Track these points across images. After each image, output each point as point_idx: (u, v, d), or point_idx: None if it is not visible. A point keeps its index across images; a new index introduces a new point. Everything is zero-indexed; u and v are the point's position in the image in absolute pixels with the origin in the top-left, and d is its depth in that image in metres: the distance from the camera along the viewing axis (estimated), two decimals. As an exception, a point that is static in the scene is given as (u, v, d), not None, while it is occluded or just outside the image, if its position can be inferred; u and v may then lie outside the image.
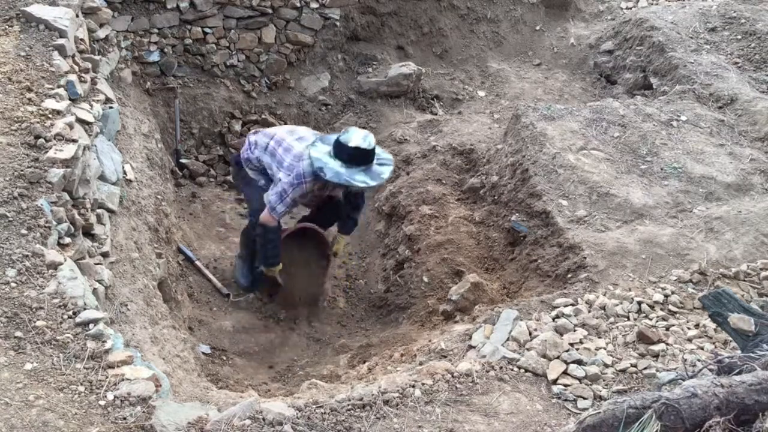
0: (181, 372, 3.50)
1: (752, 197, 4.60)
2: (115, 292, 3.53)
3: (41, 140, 3.30)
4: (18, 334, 2.57)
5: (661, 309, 3.64)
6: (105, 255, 3.61)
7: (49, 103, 3.53)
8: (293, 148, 4.43)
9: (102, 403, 2.42)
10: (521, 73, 6.96)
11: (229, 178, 5.90)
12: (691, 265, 3.97)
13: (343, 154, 4.17)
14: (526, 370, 3.18)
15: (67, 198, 3.27)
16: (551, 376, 3.14)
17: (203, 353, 4.33)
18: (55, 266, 2.88)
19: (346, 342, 4.69)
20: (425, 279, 4.74)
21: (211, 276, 4.99)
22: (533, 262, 4.45)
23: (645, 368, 3.18)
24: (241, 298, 4.95)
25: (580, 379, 3.12)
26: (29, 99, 3.52)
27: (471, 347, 3.46)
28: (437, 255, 4.81)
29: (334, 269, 5.25)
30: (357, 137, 4.19)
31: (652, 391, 2.81)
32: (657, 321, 3.55)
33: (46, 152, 3.26)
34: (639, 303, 3.65)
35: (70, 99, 3.71)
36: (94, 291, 3.18)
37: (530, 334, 3.41)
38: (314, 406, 2.76)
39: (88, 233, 3.52)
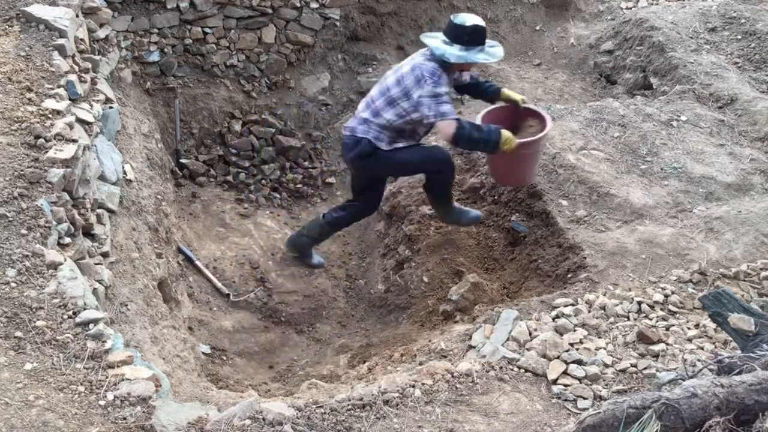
0: (181, 372, 3.50)
1: (752, 197, 4.61)
2: (115, 292, 3.53)
3: (41, 140, 3.30)
4: (18, 334, 2.57)
5: (661, 309, 3.64)
6: (105, 255, 3.61)
7: (49, 103, 3.53)
8: (402, 70, 4.34)
9: (102, 403, 2.42)
10: (521, 73, 6.96)
11: (229, 178, 5.91)
12: (691, 265, 3.97)
13: (462, 35, 4.18)
14: (526, 370, 3.18)
15: (67, 198, 3.27)
16: (551, 376, 3.14)
17: (203, 353, 4.33)
18: (55, 266, 2.89)
19: (346, 342, 4.69)
20: (425, 279, 4.74)
21: (211, 276, 4.99)
22: (533, 262, 4.45)
23: (645, 368, 3.18)
24: (240, 298, 4.95)
25: (580, 379, 3.12)
26: (29, 99, 3.52)
27: (471, 347, 3.46)
28: (437, 255, 4.81)
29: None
30: (471, 18, 4.27)
31: (652, 391, 2.81)
32: (657, 321, 3.55)
33: (46, 152, 3.26)
34: (639, 303, 3.65)
35: (70, 99, 3.71)
36: (94, 291, 3.18)
37: (530, 334, 3.41)
38: (314, 406, 2.76)
39: (88, 233, 3.52)
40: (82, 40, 4.37)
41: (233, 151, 6.06)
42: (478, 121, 4.43)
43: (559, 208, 4.49)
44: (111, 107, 4.38)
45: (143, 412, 2.42)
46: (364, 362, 4.12)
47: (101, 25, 4.90)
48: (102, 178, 3.91)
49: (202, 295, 4.88)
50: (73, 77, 3.82)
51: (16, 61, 3.72)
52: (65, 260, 2.97)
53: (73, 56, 4.07)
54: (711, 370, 2.76)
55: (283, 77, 6.29)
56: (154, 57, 5.78)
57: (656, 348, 3.32)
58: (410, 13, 6.85)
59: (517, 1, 7.30)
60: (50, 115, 3.47)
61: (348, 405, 2.80)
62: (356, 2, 6.49)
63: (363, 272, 5.42)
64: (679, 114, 5.42)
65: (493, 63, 4.46)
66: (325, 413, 2.73)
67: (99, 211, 3.73)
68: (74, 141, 3.40)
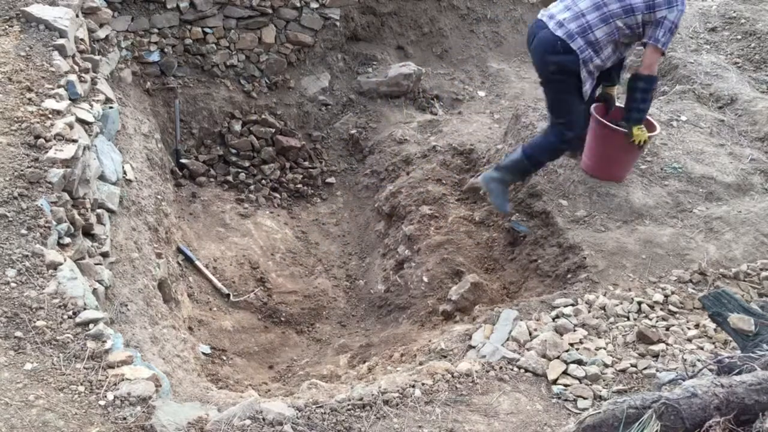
0: (181, 372, 3.50)
1: (752, 197, 4.60)
2: (115, 292, 3.53)
3: (41, 140, 3.30)
4: (18, 334, 2.57)
5: (661, 309, 3.64)
6: (105, 255, 3.61)
7: (49, 103, 3.53)
8: None
9: (102, 403, 2.42)
10: (521, 73, 6.96)
11: (229, 178, 5.91)
12: (691, 265, 3.97)
13: None
14: (526, 370, 3.18)
15: (67, 198, 3.27)
16: (551, 376, 3.14)
17: (203, 353, 4.33)
18: (55, 266, 2.89)
19: (346, 342, 4.69)
20: (425, 279, 4.74)
21: (211, 276, 4.99)
22: (533, 262, 4.45)
23: (645, 368, 3.18)
24: (240, 298, 4.95)
25: (580, 379, 3.12)
26: (29, 99, 3.52)
27: (471, 347, 3.46)
28: (437, 255, 4.81)
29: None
30: None
31: (652, 391, 2.80)
32: (657, 321, 3.55)
33: (46, 152, 3.26)
34: (639, 303, 3.65)
35: (70, 99, 3.72)
36: (94, 291, 3.18)
37: (530, 334, 3.41)
38: (314, 406, 2.76)
39: (88, 233, 3.52)
40: (82, 40, 4.37)
41: (233, 151, 6.06)
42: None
43: (559, 208, 4.49)
44: (111, 107, 4.38)
45: (143, 412, 2.42)
46: (364, 362, 4.12)
47: (101, 25, 4.90)
48: (102, 178, 3.91)
49: (202, 295, 4.88)
50: (73, 77, 3.82)
51: (16, 61, 3.72)
52: (65, 260, 2.97)
53: (73, 56, 4.07)
54: (711, 370, 2.76)
55: (283, 77, 6.29)
56: (154, 57, 5.78)
57: (656, 348, 3.32)
58: (410, 13, 6.85)
59: (517, 1, 7.31)
60: (50, 115, 3.47)
61: (348, 405, 2.80)
62: (356, 2, 6.50)
63: (363, 272, 5.42)
64: (679, 114, 5.42)
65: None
66: (325, 413, 2.73)
67: (99, 211, 3.73)
68: (74, 141, 3.40)
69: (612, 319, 3.54)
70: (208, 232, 5.46)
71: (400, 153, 5.86)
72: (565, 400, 3.02)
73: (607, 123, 4.37)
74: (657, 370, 3.15)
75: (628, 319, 3.56)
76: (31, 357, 2.51)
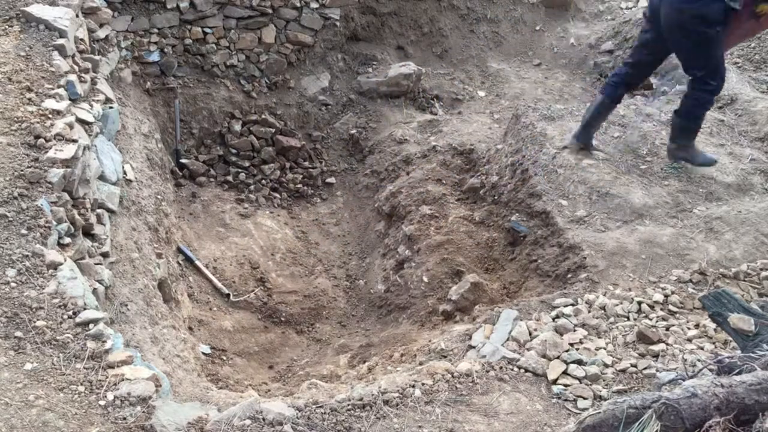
0: (181, 372, 3.50)
1: (752, 197, 4.60)
2: (115, 292, 3.53)
3: (41, 140, 3.30)
4: (18, 334, 2.57)
5: (661, 309, 3.64)
6: (105, 255, 3.61)
7: (49, 103, 3.53)
8: None
9: (102, 403, 2.42)
10: (521, 73, 6.96)
11: (229, 178, 5.91)
12: (691, 265, 3.97)
13: None
14: (526, 370, 3.18)
15: (67, 198, 3.27)
16: (551, 376, 3.14)
17: (203, 353, 4.33)
18: (55, 266, 2.89)
19: (346, 342, 4.69)
20: (425, 279, 4.74)
21: (211, 276, 4.99)
22: (533, 262, 4.45)
23: (645, 368, 3.17)
24: (240, 298, 4.95)
25: (580, 379, 3.12)
26: (29, 99, 3.52)
27: (471, 347, 3.46)
28: (437, 255, 4.81)
29: None
30: None
31: (652, 391, 2.80)
32: (657, 321, 3.55)
33: (46, 152, 3.26)
34: (639, 303, 3.65)
35: (70, 99, 3.72)
36: (94, 291, 3.18)
37: (530, 334, 3.41)
38: (314, 406, 2.76)
39: (88, 233, 3.52)
40: (82, 40, 4.37)
41: (233, 151, 6.06)
42: None
43: (559, 208, 4.49)
44: (111, 107, 4.38)
45: (143, 412, 2.42)
46: (364, 362, 4.12)
47: (101, 25, 4.90)
48: (102, 178, 3.91)
49: (202, 295, 4.88)
50: (73, 77, 3.82)
51: (16, 61, 3.72)
52: (65, 260, 2.97)
53: (73, 56, 4.07)
54: (711, 370, 2.76)
55: (283, 77, 6.29)
56: (154, 57, 5.78)
57: (656, 348, 3.31)
58: (410, 13, 6.85)
59: (517, 1, 7.31)
60: (50, 115, 3.47)
61: (348, 405, 2.80)
62: (356, 2, 6.50)
63: (363, 272, 5.42)
64: (679, 114, 5.42)
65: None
66: (325, 413, 2.73)
67: (99, 211, 3.73)
68: (74, 141, 3.40)
69: (612, 319, 3.54)
70: (208, 232, 5.46)
71: (400, 153, 5.86)
72: (565, 400, 3.02)
73: None
74: (657, 370, 3.14)
75: (628, 319, 3.55)
76: (31, 357, 2.51)
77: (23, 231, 2.94)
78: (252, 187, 5.92)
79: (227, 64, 6.10)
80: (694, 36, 4.21)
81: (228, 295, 4.92)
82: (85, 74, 4.10)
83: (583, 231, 4.29)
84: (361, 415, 2.76)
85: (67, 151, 3.31)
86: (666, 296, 3.71)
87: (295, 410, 2.70)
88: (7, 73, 3.62)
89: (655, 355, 3.28)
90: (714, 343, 3.38)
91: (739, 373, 2.52)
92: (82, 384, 2.47)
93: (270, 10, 6.06)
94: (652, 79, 6.28)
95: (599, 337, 3.40)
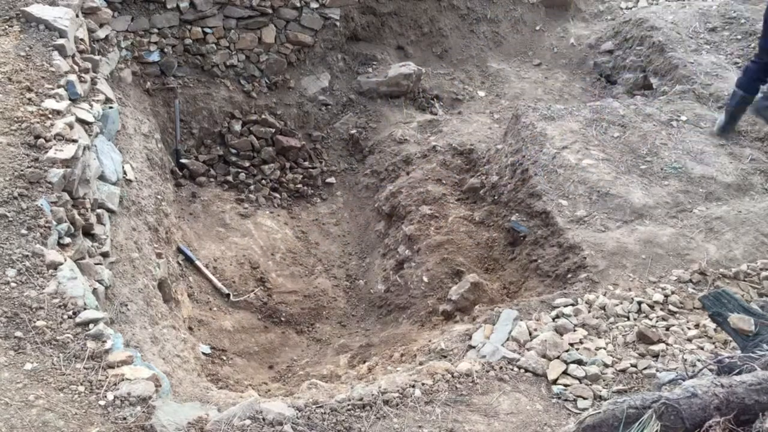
0: (181, 372, 3.50)
1: (752, 197, 4.61)
2: (115, 292, 3.53)
3: (41, 140, 3.30)
4: (18, 334, 2.57)
5: (661, 309, 3.64)
6: (105, 255, 3.61)
7: (49, 103, 3.53)
8: None
9: (102, 403, 2.42)
10: (521, 73, 6.96)
11: (229, 178, 5.91)
12: (691, 265, 3.97)
13: None
14: (526, 370, 3.18)
15: (67, 198, 3.27)
16: (551, 376, 3.14)
17: (203, 353, 4.33)
18: (55, 266, 2.89)
19: (346, 342, 4.69)
20: (425, 279, 4.74)
21: (211, 276, 4.99)
22: (533, 262, 4.45)
23: (645, 368, 3.17)
24: (240, 298, 4.95)
25: (580, 379, 3.12)
26: (29, 99, 3.52)
27: (471, 347, 3.46)
28: (437, 255, 4.81)
29: None
30: None
31: (652, 391, 2.81)
32: (657, 321, 3.55)
33: (46, 152, 3.26)
34: (639, 303, 3.65)
35: (70, 99, 3.72)
36: (94, 291, 3.18)
37: (530, 334, 3.41)
38: (314, 406, 2.76)
39: (88, 233, 3.52)
40: (82, 40, 4.37)
41: (233, 151, 6.06)
42: None
43: (559, 208, 4.49)
44: (111, 107, 4.38)
45: (143, 412, 2.42)
46: (364, 362, 4.12)
47: (101, 25, 4.90)
48: (102, 178, 3.91)
49: (202, 295, 4.88)
50: (73, 77, 3.82)
51: (16, 61, 3.72)
52: (65, 260, 2.97)
53: (73, 56, 4.07)
54: (711, 370, 2.76)
55: (283, 77, 6.29)
56: (154, 57, 5.78)
57: (656, 348, 3.32)
58: (410, 13, 6.85)
59: (517, 1, 7.31)
60: (50, 115, 3.47)
61: (348, 405, 2.80)
62: (356, 2, 6.50)
63: (363, 272, 5.42)
64: (679, 114, 5.42)
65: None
66: (325, 413, 2.73)
67: (99, 211, 3.73)
68: (74, 141, 3.40)
69: (612, 319, 3.54)
70: (208, 232, 5.46)
71: (400, 153, 5.86)
72: (565, 400, 3.02)
73: None
74: (657, 370, 3.15)
75: (628, 319, 3.55)
76: (31, 357, 2.51)
77: (23, 231, 2.94)
78: (252, 187, 5.92)
79: (227, 64, 6.10)
80: None
81: (228, 295, 4.92)
82: (85, 74, 4.10)
83: (583, 231, 4.29)
84: (361, 415, 2.76)
85: (67, 151, 3.31)
86: (666, 296, 3.71)
87: (295, 410, 2.70)
88: (7, 73, 3.62)
89: (655, 355, 3.29)
90: (714, 343, 3.38)
91: (739, 373, 2.52)
92: (82, 384, 2.47)
93: (270, 10, 6.06)
94: (652, 79, 6.29)
95: (599, 337, 3.40)
